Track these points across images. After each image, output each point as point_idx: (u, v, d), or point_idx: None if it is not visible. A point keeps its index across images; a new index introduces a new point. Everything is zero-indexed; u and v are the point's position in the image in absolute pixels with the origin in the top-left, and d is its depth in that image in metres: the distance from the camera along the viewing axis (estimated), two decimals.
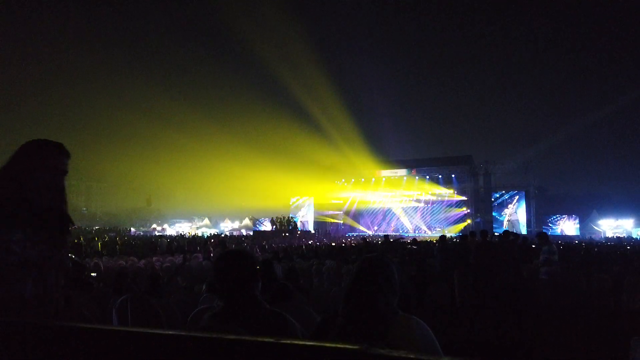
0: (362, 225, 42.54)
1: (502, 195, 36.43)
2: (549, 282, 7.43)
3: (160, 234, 41.32)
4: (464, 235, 9.98)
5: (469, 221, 36.57)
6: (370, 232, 39.91)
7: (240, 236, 33.66)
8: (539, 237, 8.65)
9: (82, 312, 2.02)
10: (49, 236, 1.66)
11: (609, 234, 34.98)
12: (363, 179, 41.60)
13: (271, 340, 0.77)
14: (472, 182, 37.33)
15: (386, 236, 11.91)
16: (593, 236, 32.83)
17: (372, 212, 43.02)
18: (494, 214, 35.95)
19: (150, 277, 4.70)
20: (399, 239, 12.64)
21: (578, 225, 35.60)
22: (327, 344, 0.75)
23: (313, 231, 39.31)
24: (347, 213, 42.80)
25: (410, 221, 40.75)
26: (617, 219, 37.85)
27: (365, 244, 12.89)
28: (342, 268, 8.05)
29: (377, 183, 41.31)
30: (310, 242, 25.50)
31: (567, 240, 25.66)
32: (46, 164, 1.67)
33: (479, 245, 7.55)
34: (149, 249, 17.36)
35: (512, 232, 8.81)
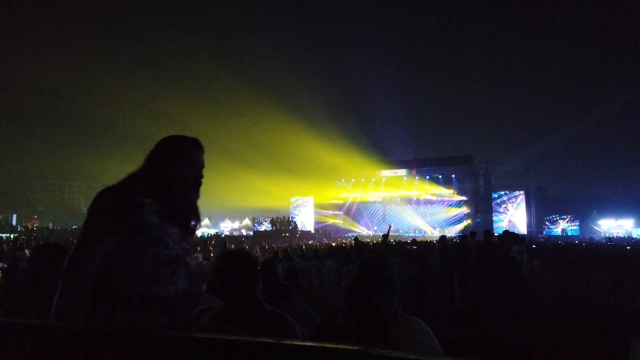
0: (362, 225, 42.54)
1: (500, 195, 36.44)
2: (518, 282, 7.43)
3: None
4: (464, 235, 9.98)
5: (469, 221, 36.57)
6: (370, 232, 39.91)
7: (240, 236, 33.67)
8: (510, 236, 8.59)
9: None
10: (188, 233, 1.69)
11: (609, 234, 34.98)
12: (363, 179, 41.59)
13: (272, 341, 0.77)
14: (472, 182, 37.33)
15: (384, 235, 11.86)
16: (594, 236, 32.82)
17: (372, 212, 43.04)
18: (493, 214, 35.95)
19: None
20: (388, 231, 12.50)
21: (577, 227, 35.67)
22: (328, 345, 0.75)
23: (313, 231, 39.31)
24: (347, 213, 42.80)
25: (410, 221, 40.75)
26: (617, 219, 37.84)
27: (357, 243, 12.84)
28: (342, 268, 8.05)
29: (377, 183, 41.31)
30: (310, 242, 25.52)
31: (567, 240, 25.66)
32: (188, 159, 1.69)
33: (481, 246, 7.56)
34: None
35: (512, 233, 8.82)
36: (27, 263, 2.17)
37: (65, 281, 1.45)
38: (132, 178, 1.65)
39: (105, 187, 1.59)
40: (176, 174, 1.65)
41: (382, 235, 12.08)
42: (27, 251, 10.35)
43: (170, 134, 1.77)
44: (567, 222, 35.91)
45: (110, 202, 1.53)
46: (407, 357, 0.71)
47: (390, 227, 14.90)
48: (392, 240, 19.02)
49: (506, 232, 8.39)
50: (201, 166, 1.73)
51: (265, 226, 40.36)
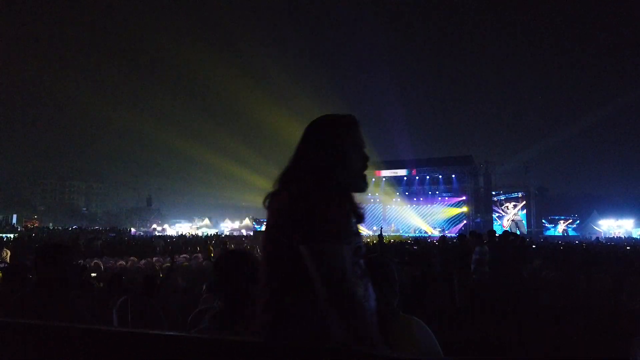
0: (362, 225, 42.43)
1: (500, 195, 36.43)
2: (479, 283, 7.37)
3: (160, 234, 41.37)
4: (462, 234, 9.80)
5: (469, 221, 36.57)
6: (370, 232, 39.92)
7: (241, 236, 33.69)
8: (472, 235, 8.41)
9: (83, 313, 2.02)
10: None
11: (607, 235, 34.97)
12: None
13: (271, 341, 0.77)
14: (472, 182, 37.31)
15: (379, 236, 11.83)
16: (596, 236, 32.80)
17: (372, 212, 43.04)
18: (494, 214, 35.95)
19: (145, 277, 4.70)
20: (381, 231, 12.47)
21: (572, 228, 35.72)
22: (327, 345, 0.75)
23: None
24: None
25: (410, 221, 40.75)
26: (618, 219, 37.79)
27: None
28: None
29: (377, 183, 41.29)
30: None
31: (567, 240, 25.66)
32: (350, 140, 1.40)
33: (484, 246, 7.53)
34: (150, 250, 17.39)
35: (512, 233, 8.80)
36: (31, 263, 2.17)
37: (348, 307, 1.09)
38: (296, 174, 1.33)
39: (301, 187, 1.27)
40: (340, 161, 1.35)
41: (378, 236, 12.09)
42: (5, 251, 10.39)
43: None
44: (567, 224, 35.94)
45: (338, 207, 1.22)
46: (407, 357, 0.71)
47: (382, 228, 14.96)
48: (392, 240, 19.03)
49: (506, 232, 8.38)
50: (363, 145, 1.44)
51: (260, 227, 40.38)
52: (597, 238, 25.53)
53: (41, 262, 2.07)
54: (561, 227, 36.36)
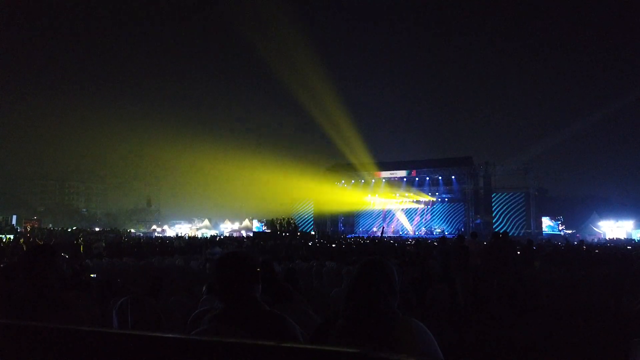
0: (361, 226, 42.53)
1: (499, 196, 36.44)
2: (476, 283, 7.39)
3: (161, 235, 41.37)
4: (442, 237, 9.76)
5: (469, 223, 36.56)
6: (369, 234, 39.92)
7: (240, 237, 33.67)
8: (471, 236, 8.52)
9: (80, 314, 2.02)
10: None
11: (609, 235, 34.92)
12: (363, 181, 41.58)
13: (272, 343, 0.77)
14: (472, 183, 37.31)
15: (374, 237, 11.85)
16: (594, 238, 32.75)
17: (372, 213, 43.03)
18: (493, 215, 35.94)
19: (152, 279, 4.68)
20: (378, 237, 12.53)
21: (559, 225, 35.79)
22: (327, 347, 0.75)
23: (313, 232, 39.32)
24: (347, 214, 42.77)
25: (410, 222, 40.75)
26: (617, 220, 37.74)
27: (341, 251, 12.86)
28: (342, 269, 8.05)
29: (377, 184, 41.30)
30: (309, 244, 25.50)
31: (567, 241, 25.59)
32: None
33: (487, 247, 7.54)
34: (150, 250, 17.39)
35: (497, 232, 8.77)
36: (23, 263, 2.16)
37: None
38: None
39: None
40: None
41: (374, 237, 12.12)
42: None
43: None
44: (562, 224, 35.96)
45: None
46: (407, 359, 0.70)
47: (383, 227, 15.01)
48: (392, 241, 19.03)
49: (504, 232, 8.37)
50: None
51: (261, 226, 40.39)
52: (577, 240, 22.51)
53: (25, 264, 2.06)
54: (559, 227, 36.30)
